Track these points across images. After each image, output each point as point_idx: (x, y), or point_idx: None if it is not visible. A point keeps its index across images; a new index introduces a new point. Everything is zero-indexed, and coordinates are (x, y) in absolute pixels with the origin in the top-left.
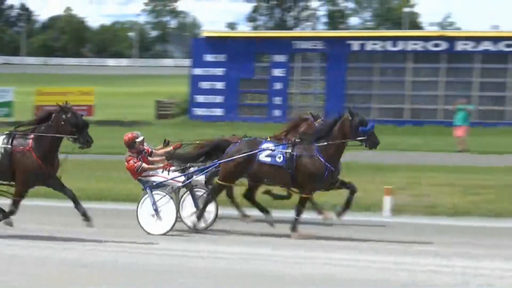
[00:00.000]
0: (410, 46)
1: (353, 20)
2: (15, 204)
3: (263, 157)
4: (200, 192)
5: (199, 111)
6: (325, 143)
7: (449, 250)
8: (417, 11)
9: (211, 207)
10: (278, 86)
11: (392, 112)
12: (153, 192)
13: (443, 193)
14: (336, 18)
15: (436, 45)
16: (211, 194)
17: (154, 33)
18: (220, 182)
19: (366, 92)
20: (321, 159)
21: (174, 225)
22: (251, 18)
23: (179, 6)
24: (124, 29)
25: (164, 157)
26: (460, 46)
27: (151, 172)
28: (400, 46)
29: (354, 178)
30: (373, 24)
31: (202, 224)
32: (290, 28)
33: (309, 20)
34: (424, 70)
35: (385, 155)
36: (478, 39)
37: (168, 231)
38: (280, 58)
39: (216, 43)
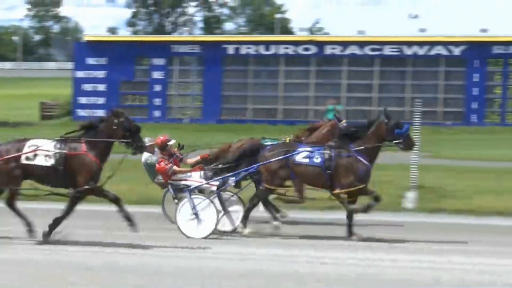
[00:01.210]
0: (282, 50)
1: (228, 25)
2: (72, 202)
3: (300, 158)
4: (226, 195)
5: (82, 112)
6: (362, 147)
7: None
8: (288, 17)
9: (238, 210)
10: (157, 88)
11: (266, 112)
12: (193, 196)
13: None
14: (212, 24)
15: (306, 49)
16: (256, 199)
17: (37, 37)
18: (268, 187)
19: (242, 94)
20: (361, 159)
21: (215, 228)
22: (131, 23)
23: (62, 11)
24: (8, 33)
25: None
26: (328, 50)
27: (182, 176)
28: (272, 50)
29: None
30: (247, 29)
31: (229, 227)
32: (169, 33)
33: (186, 25)
34: (296, 73)
35: None
36: (345, 44)
37: (209, 235)
38: (159, 61)
39: (98, 47)
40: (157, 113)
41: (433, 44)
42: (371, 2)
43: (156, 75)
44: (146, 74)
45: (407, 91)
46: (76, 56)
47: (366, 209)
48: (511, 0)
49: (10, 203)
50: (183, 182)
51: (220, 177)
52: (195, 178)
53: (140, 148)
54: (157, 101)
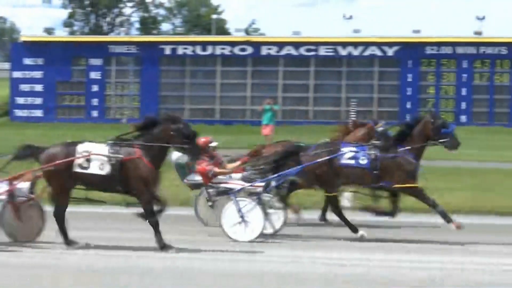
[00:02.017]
0: (219, 50)
1: (165, 26)
2: (149, 213)
3: (345, 159)
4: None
5: (19, 113)
6: (409, 147)
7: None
8: (224, 17)
9: (277, 212)
10: (95, 88)
11: (203, 112)
12: (238, 199)
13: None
14: (148, 24)
15: (243, 50)
16: (334, 207)
17: None
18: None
19: (179, 94)
20: (408, 157)
21: (262, 231)
22: (67, 24)
23: None
24: None
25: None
26: (264, 51)
27: (223, 179)
28: (209, 50)
29: (169, 174)
30: (184, 30)
31: (270, 230)
32: (105, 33)
33: (123, 26)
34: (232, 73)
35: None
36: (281, 44)
37: (256, 238)
38: (96, 61)
39: (34, 48)
40: (94, 113)
41: (367, 44)
42: (306, 3)
43: (93, 75)
44: (83, 75)
45: (342, 91)
46: (13, 56)
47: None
48: (443, 2)
49: (58, 214)
50: (224, 185)
51: (264, 179)
52: (237, 181)
53: (197, 155)
54: (95, 101)
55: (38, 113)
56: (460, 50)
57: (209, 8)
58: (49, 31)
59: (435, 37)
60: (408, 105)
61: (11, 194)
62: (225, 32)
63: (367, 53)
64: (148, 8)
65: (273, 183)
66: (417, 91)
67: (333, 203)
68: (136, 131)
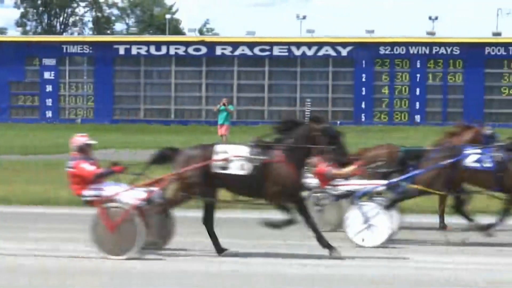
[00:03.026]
0: (173, 50)
1: (118, 26)
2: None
3: (470, 162)
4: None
5: None
6: None
7: None
8: (178, 17)
9: (394, 217)
10: (49, 88)
11: (158, 112)
12: (361, 203)
13: None
14: (102, 24)
15: (197, 50)
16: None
17: None
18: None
19: (134, 94)
20: None
21: (389, 235)
22: (20, 23)
23: None
24: None
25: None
26: (219, 51)
27: (340, 182)
28: (163, 50)
29: (127, 175)
30: (138, 29)
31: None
32: (59, 33)
33: (76, 26)
34: (187, 73)
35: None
36: (235, 44)
37: (382, 242)
38: (49, 61)
39: None
40: (49, 113)
41: (321, 44)
42: (260, 3)
43: (47, 75)
44: (37, 75)
45: (297, 91)
46: None
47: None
48: (396, 2)
49: (207, 219)
50: (343, 188)
51: (390, 181)
52: (359, 183)
53: (343, 155)
54: (49, 102)
55: None
56: (413, 50)
57: (162, 8)
58: (1, 30)
59: (389, 37)
60: (363, 105)
61: (149, 200)
62: (179, 32)
63: (321, 53)
64: (101, 8)
65: (398, 186)
66: (372, 91)
67: (457, 206)
68: (277, 133)
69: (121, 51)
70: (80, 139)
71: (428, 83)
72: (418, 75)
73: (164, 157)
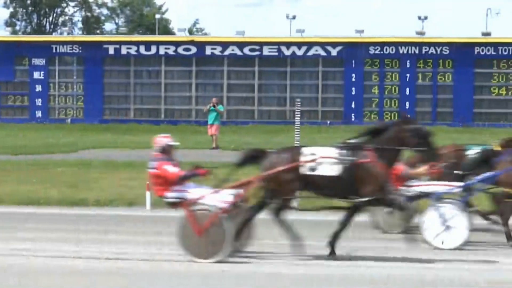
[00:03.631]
0: (163, 50)
1: (108, 26)
2: (399, 207)
3: None
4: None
5: None
6: None
7: None
8: (168, 17)
9: (465, 221)
10: (38, 88)
11: (148, 112)
12: (440, 204)
13: None
14: (91, 24)
15: (187, 50)
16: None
17: None
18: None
19: (124, 94)
20: None
21: (467, 237)
22: (9, 23)
23: None
24: None
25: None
26: (209, 51)
27: (415, 182)
28: (153, 50)
29: (117, 174)
30: (127, 29)
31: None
32: (48, 33)
33: (65, 25)
34: (177, 73)
35: (144, 152)
36: (225, 44)
37: (460, 245)
38: (39, 61)
39: None
40: (39, 113)
41: (311, 44)
42: (250, 3)
43: (37, 75)
44: (27, 74)
45: (287, 91)
46: None
47: None
48: (385, 2)
49: (278, 214)
50: (418, 189)
51: (463, 184)
52: (436, 183)
53: (435, 155)
54: (39, 102)
55: None
56: (403, 50)
57: (152, 8)
58: None
59: (378, 37)
60: (353, 105)
61: (236, 203)
62: (169, 32)
63: (311, 53)
64: (91, 7)
65: (474, 188)
66: (361, 90)
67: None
68: (366, 135)
69: (111, 51)
70: (163, 139)
71: (417, 83)
72: (408, 75)
73: (251, 159)
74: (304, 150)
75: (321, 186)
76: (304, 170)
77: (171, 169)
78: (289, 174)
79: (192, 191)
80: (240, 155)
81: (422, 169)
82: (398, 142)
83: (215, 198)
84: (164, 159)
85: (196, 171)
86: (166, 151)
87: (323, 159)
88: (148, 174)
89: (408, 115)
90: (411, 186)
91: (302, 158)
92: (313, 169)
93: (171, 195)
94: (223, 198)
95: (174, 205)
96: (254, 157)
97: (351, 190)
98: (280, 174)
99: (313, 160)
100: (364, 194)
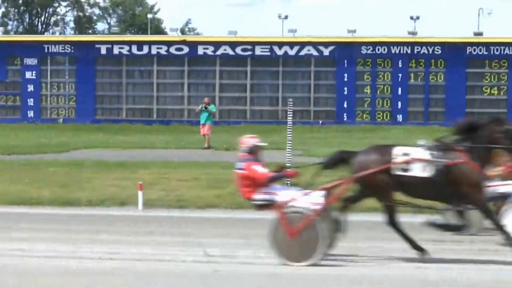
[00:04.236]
0: (155, 50)
1: (100, 26)
2: (488, 213)
3: None
4: None
5: None
6: None
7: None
8: (160, 17)
9: None
10: (30, 88)
11: (140, 112)
12: None
13: (190, 187)
14: (83, 24)
15: (179, 49)
16: None
17: None
18: None
19: (116, 94)
20: None
21: None
22: (1, 23)
23: None
24: None
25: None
26: (201, 50)
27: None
28: (145, 50)
29: (109, 174)
30: (119, 29)
31: None
32: (40, 33)
33: (57, 25)
34: (169, 73)
35: (136, 152)
36: (217, 44)
37: None
38: (31, 61)
39: None
40: (30, 113)
41: (303, 44)
42: (242, 3)
43: (29, 75)
44: (19, 74)
45: (279, 90)
46: None
47: None
48: (378, 2)
49: (392, 219)
50: (496, 189)
51: None
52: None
53: None
54: (31, 101)
55: None
56: (395, 50)
57: (144, 8)
58: None
59: (371, 37)
60: (345, 105)
61: (327, 206)
62: (161, 31)
63: (303, 52)
64: (83, 7)
65: None
66: (354, 90)
67: None
68: (456, 134)
69: (103, 51)
70: (250, 140)
71: (410, 82)
72: (400, 75)
73: (339, 160)
74: (396, 150)
75: (412, 187)
76: (396, 170)
77: (260, 170)
78: (381, 175)
79: (281, 193)
80: (327, 156)
81: (497, 169)
82: (490, 143)
83: (306, 200)
84: (251, 160)
85: (285, 172)
86: (253, 151)
87: (415, 160)
88: (235, 175)
89: (501, 117)
90: (490, 186)
91: (393, 158)
92: (405, 170)
93: (259, 197)
94: (314, 200)
95: (262, 207)
96: (342, 158)
97: (444, 192)
98: (372, 175)
99: (406, 161)
100: (459, 196)
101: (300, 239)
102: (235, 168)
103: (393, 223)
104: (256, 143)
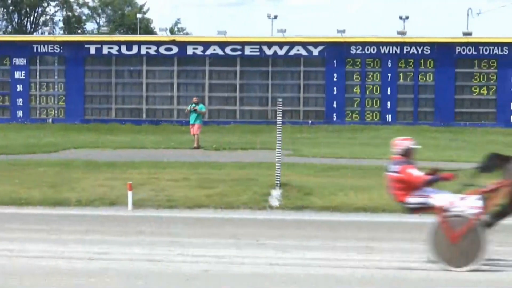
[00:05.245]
0: (144, 50)
1: (89, 26)
2: None
3: None
4: None
5: None
6: None
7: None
8: (149, 17)
9: None
10: (19, 88)
11: (130, 112)
12: None
13: (179, 187)
14: (72, 23)
15: (168, 49)
16: None
17: None
18: None
19: (105, 94)
20: None
21: None
22: None
23: None
24: None
25: None
26: (190, 50)
27: None
28: (135, 50)
29: (98, 174)
30: (108, 29)
31: None
32: (29, 33)
33: (47, 25)
34: (159, 73)
35: (125, 152)
36: (206, 44)
37: None
38: (20, 61)
39: None
40: (20, 113)
41: (292, 44)
42: (231, 3)
43: (18, 75)
44: (8, 74)
45: (269, 90)
46: None
47: None
48: (367, 2)
49: None
50: None
51: None
52: None
53: None
54: (20, 101)
55: None
56: (384, 49)
57: (133, 7)
58: None
59: (360, 37)
60: (334, 105)
61: (486, 210)
62: (150, 31)
63: (292, 52)
64: (72, 7)
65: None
66: (343, 90)
67: None
68: None
69: (92, 51)
70: (404, 142)
71: (399, 82)
72: (389, 75)
73: (496, 164)
74: None
75: None
76: None
77: (416, 173)
78: None
79: (436, 197)
80: (482, 159)
81: None
82: None
83: (465, 204)
84: (406, 163)
85: (442, 175)
86: (408, 154)
87: None
88: (388, 178)
89: None
90: None
91: None
92: None
93: (413, 200)
94: (472, 204)
95: (415, 210)
96: (497, 162)
97: None
98: None
99: None
100: None
101: (461, 244)
102: (388, 171)
103: None
104: (411, 145)
